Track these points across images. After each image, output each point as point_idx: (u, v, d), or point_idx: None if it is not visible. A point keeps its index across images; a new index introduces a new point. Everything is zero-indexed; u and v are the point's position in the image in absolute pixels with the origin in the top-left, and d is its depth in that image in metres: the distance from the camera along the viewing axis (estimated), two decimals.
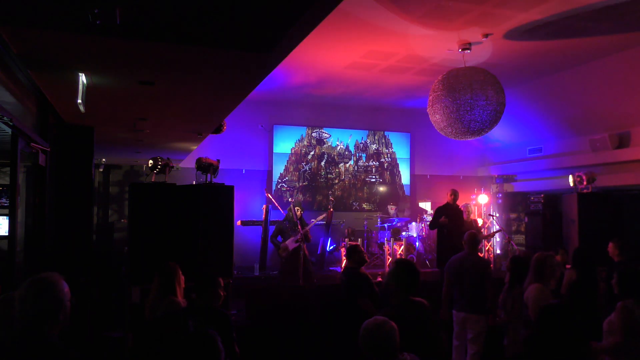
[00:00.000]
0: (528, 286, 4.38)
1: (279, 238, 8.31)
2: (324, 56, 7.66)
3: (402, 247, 9.22)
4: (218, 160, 6.30)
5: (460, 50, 6.91)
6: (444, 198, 11.77)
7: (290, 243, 8.11)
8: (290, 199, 9.74)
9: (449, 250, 7.45)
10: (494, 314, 5.17)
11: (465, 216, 9.10)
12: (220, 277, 3.78)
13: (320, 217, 8.91)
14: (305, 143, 11.49)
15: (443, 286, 5.56)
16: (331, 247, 10.30)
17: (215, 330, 2.50)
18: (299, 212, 8.19)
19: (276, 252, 8.67)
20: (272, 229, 8.90)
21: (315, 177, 11.52)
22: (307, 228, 8.27)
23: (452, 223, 7.68)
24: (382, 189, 11.97)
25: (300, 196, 11.15)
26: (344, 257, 9.23)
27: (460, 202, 9.51)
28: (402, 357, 2.65)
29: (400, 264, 3.34)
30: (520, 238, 11.05)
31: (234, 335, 3.46)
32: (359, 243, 7.67)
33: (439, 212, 7.94)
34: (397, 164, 12.12)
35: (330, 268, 10.09)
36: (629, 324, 3.42)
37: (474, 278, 5.23)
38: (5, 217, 5.69)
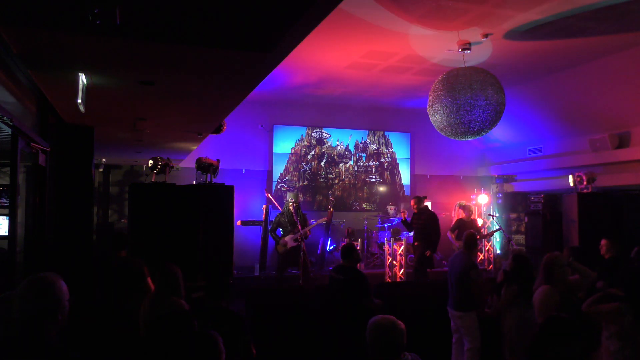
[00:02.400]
0: (537, 288, 4.34)
1: (279, 232, 8.31)
2: (324, 56, 7.66)
3: (402, 247, 9.21)
4: (218, 160, 6.31)
5: (460, 50, 6.91)
6: (444, 198, 11.78)
7: (289, 240, 8.11)
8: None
9: (422, 255, 8.18)
10: (481, 309, 5.25)
11: (465, 215, 9.08)
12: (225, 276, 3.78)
13: (322, 220, 8.93)
14: (305, 143, 11.49)
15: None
16: (331, 247, 10.30)
17: (229, 331, 2.49)
18: (291, 206, 8.21)
19: (275, 249, 8.69)
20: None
21: (315, 177, 11.52)
22: (308, 229, 8.27)
23: (419, 227, 8.27)
24: (382, 189, 11.97)
25: (300, 196, 11.15)
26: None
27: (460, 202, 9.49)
28: (404, 357, 2.66)
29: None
30: (520, 238, 11.05)
31: (250, 336, 3.44)
32: (352, 242, 7.76)
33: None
34: (397, 164, 12.12)
35: (330, 268, 10.07)
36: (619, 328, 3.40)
37: (457, 277, 5.38)
38: (5, 217, 5.68)
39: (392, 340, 2.62)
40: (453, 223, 9.30)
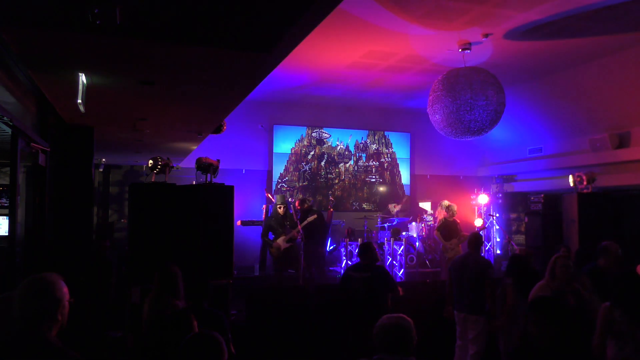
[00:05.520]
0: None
1: (271, 235, 8.27)
2: (324, 56, 7.66)
3: (402, 247, 9.20)
4: (218, 160, 6.30)
5: (460, 50, 6.91)
6: (444, 198, 11.77)
7: (281, 243, 8.09)
8: (290, 199, 9.73)
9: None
10: (494, 317, 5.17)
11: (447, 215, 8.87)
12: (218, 277, 3.78)
13: (311, 218, 8.60)
14: (305, 143, 11.49)
15: (447, 286, 5.64)
16: (331, 247, 10.29)
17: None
18: (281, 209, 8.16)
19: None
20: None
21: (315, 177, 11.52)
22: (295, 230, 8.12)
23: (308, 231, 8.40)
24: (382, 189, 11.97)
25: (300, 195, 11.14)
26: (355, 255, 9.21)
27: (459, 202, 9.43)
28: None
29: None
30: (521, 238, 11.05)
31: (230, 336, 3.45)
32: (370, 241, 7.62)
33: None
34: (397, 164, 12.11)
35: (330, 268, 10.08)
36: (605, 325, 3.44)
37: (473, 278, 5.26)
38: (5, 217, 5.68)
39: (405, 337, 2.63)
40: (437, 222, 9.21)
